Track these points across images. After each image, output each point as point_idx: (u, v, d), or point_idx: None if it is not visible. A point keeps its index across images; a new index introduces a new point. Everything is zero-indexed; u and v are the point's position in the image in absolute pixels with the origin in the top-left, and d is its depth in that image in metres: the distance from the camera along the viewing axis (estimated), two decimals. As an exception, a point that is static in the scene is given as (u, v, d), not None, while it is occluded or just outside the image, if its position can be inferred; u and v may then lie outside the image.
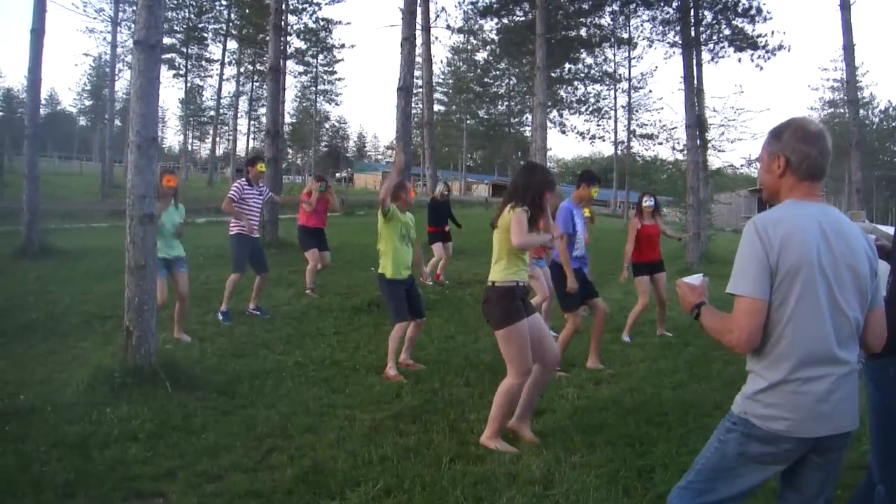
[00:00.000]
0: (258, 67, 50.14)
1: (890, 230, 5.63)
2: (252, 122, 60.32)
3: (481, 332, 8.70)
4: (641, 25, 27.16)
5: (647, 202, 9.14)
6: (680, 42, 20.25)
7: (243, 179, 9.27)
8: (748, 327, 2.43)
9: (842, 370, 2.47)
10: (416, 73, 13.64)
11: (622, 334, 8.93)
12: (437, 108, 52.04)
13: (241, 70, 53.30)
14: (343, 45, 52.83)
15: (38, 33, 13.38)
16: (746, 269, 2.46)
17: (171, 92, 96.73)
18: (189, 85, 53.53)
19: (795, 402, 2.44)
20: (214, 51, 52.05)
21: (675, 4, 20.10)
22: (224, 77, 52.35)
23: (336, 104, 77.19)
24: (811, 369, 2.43)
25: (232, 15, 47.58)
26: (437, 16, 25.27)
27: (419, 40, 16.20)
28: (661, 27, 22.43)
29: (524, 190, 5.07)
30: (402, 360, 7.18)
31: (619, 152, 49.02)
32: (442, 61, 62.46)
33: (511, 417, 5.17)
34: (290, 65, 49.69)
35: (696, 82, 19.82)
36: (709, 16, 20.27)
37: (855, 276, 2.50)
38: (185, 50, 49.73)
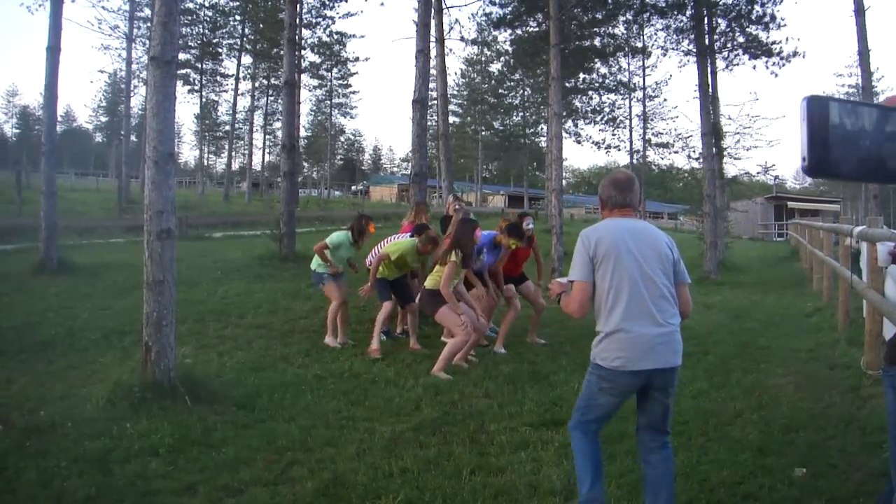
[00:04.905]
0: (273, 82, 50.26)
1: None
2: (267, 137, 60.46)
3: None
4: (655, 34, 27.18)
5: (528, 225, 8.81)
6: (694, 50, 20.19)
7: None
8: (579, 300, 3.59)
9: (659, 320, 3.52)
10: (431, 84, 13.66)
11: (496, 346, 8.61)
12: (452, 119, 52.08)
13: (256, 84, 53.35)
14: (357, 59, 53.00)
15: (54, 51, 13.47)
16: (575, 262, 3.65)
17: (186, 107, 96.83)
18: (204, 100, 53.61)
19: (624, 344, 3.51)
20: (229, 66, 51.96)
21: (688, 13, 20.00)
22: (239, 92, 52.38)
23: (351, 117, 76.81)
24: (634, 322, 3.50)
25: (246, 30, 47.70)
26: (451, 28, 25.20)
27: (433, 52, 16.20)
28: (674, 36, 22.35)
29: (463, 239, 7.54)
30: (411, 345, 8.49)
31: (634, 161, 48.78)
32: (456, 73, 62.13)
33: (453, 360, 7.47)
34: (305, 79, 49.84)
35: (710, 90, 19.75)
36: (723, 24, 20.20)
37: (658, 255, 3.61)
38: (199, 65, 49.73)
